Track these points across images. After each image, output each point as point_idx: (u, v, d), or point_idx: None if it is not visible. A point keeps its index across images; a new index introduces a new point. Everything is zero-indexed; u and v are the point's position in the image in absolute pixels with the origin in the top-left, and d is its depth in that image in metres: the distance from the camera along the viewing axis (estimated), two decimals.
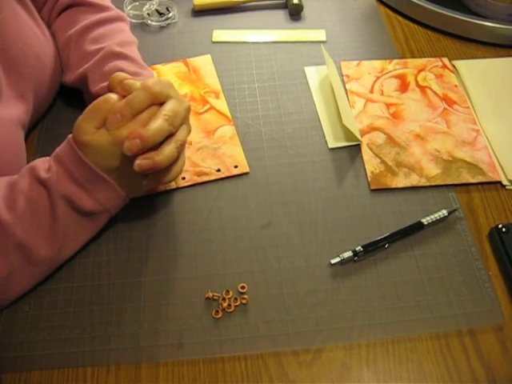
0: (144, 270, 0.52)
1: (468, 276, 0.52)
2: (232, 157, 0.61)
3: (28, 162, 0.50)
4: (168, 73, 0.71)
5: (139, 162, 0.46)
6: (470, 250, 0.54)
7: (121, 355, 0.47)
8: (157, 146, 0.47)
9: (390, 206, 0.58)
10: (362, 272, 0.52)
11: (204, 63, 0.72)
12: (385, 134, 0.64)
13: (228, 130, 0.64)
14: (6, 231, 0.45)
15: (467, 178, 0.60)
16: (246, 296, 0.50)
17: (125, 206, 0.56)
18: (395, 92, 0.69)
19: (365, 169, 0.61)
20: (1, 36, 0.54)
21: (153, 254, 0.53)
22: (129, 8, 0.80)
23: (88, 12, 0.64)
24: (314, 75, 0.72)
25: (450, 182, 0.59)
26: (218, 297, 0.50)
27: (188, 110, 0.51)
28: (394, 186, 0.59)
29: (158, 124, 0.46)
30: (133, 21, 0.78)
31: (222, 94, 0.68)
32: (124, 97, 0.48)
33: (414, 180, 0.59)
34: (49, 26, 0.65)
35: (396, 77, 0.71)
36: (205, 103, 0.67)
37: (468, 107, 0.67)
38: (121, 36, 0.63)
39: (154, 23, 0.78)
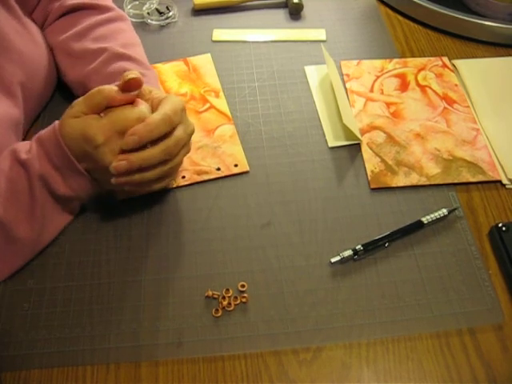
0: (144, 268, 0.52)
1: (468, 275, 0.52)
2: (232, 156, 0.61)
3: None
4: (168, 72, 0.71)
5: (114, 165, 0.47)
6: (470, 248, 0.54)
7: (120, 354, 0.47)
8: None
9: (390, 205, 0.58)
10: (362, 271, 0.52)
11: (204, 62, 0.72)
12: (385, 133, 0.64)
13: (228, 129, 0.64)
14: None
15: (467, 177, 0.60)
16: (245, 295, 0.50)
17: (124, 204, 0.56)
18: (395, 91, 0.69)
19: (365, 168, 0.61)
20: None
21: (152, 252, 0.53)
22: (129, 7, 0.79)
23: (90, 14, 0.64)
24: (314, 74, 0.72)
25: (450, 181, 0.59)
26: (218, 295, 0.50)
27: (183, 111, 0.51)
28: (394, 185, 0.59)
29: (151, 154, 0.48)
30: (133, 20, 0.78)
31: (222, 93, 0.68)
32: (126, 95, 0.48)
33: (414, 179, 0.59)
34: (43, 26, 0.65)
35: (396, 76, 0.71)
36: (205, 102, 0.67)
37: (468, 106, 0.67)
38: (123, 36, 0.63)
39: (154, 22, 0.78)
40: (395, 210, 0.57)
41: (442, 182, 0.59)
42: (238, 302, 0.50)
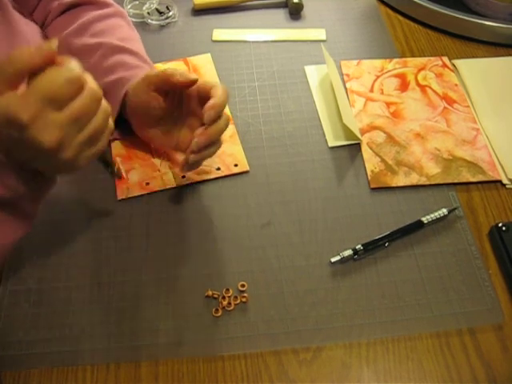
0: (144, 268, 0.52)
1: (468, 275, 0.52)
2: (232, 155, 0.61)
3: None
4: None
5: (196, 140, 0.48)
6: (470, 248, 0.54)
7: (120, 354, 0.47)
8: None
9: (390, 204, 0.58)
10: (362, 271, 0.52)
11: (204, 62, 0.72)
12: (385, 132, 0.64)
13: (228, 129, 0.64)
14: None
15: (467, 176, 0.60)
16: (245, 294, 0.50)
17: (124, 204, 0.56)
18: (395, 91, 0.69)
19: (365, 168, 0.61)
20: None
21: (152, 252, 0.53)
22: (129, 7, 0.79)
23: (89, 9, 0.64)
24: (314, 74, 0.72)
25: (450, 181, 0.59)
26: (218, 295, 0.50)
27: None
28: (394, 184, 0.59)
29: (220, 127, 0.51)
30: (133, 20, 0.78)
31: None
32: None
33: (414, 179, 0.59)
34: (43, 25, 0.65)
35: (396, 76, 0.71)
36: None
37: (468, 106, 0.67)
38: (121, 31, 0.63)
39: (154, 22, 0.78)
40: (395, 209, 0.57)
41: (441, 182, 0.59)
42: (238, 301, 0.50)
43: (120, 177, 0.57)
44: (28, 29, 0.61)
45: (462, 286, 0.51)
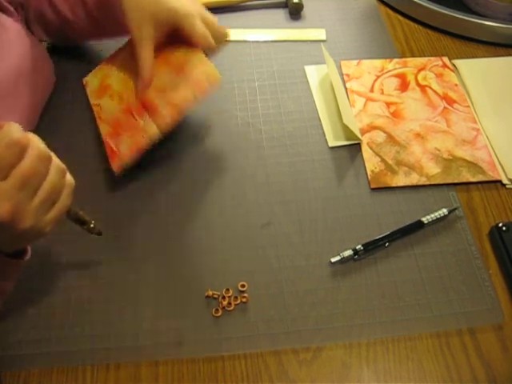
0: (144, 268, 0.52)
1: (468, 275, 0.52)
2: (204, 73, 0.55)
3: None
4: None
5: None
6: (470, 248, 0.54)
7: (120, 354, 0.47)
8: None
9: (390, 204, 0.58)
10: (362, 271, 0.52)
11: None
12: (385, 132, 0.64)
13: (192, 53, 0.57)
14: None
15: (467, 176, 0.60)
16: (246, 294, 0.50)
17: (123, 204, 0.56)
18: (395, 91, 0.69)
19: (365, 168, 0.61)
20: None
21: (152, 252, 0.53)
22: None
23: None
24: (314, 74, 0.72)
25: (450, 181, 0.59)
26: (218, 295, 0.50)
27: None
28: (394, 184, 0.59)
29: None
30: None
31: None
32: None
33: (414, 179, 0.59)
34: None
35: (396, 76, 0.71)
36: None
37: (468, 106, 0.67)
38: None
39: None
40: (395, 209, 0.57)
41: (442, 182, 0.59)
42: (238, 301, 0.50)
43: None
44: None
45: (462, 285, 0.51)
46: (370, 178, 0.60)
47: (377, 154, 0.62)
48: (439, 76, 0.71)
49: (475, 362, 0.47)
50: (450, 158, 0.61)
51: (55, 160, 0.40)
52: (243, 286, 0.51)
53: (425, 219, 0.55)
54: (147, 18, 0.53)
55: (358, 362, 0.47)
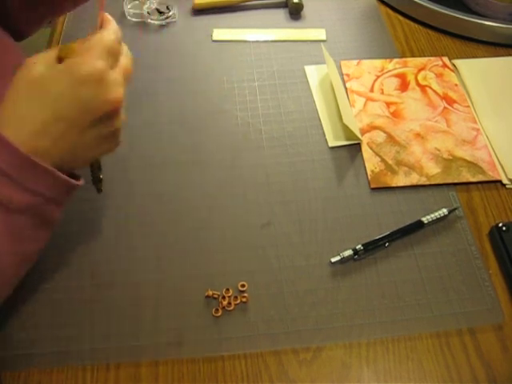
0: (144, 268, 0.52)
1: (468, 275, 0.52)
2: None
3: None
4: None
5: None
6: (470, 248, 0.54)
7: (120, 354, 0.47)
8: None
9: (390, 204, 0.58)
10: (362, 271, 0.52)
11: None
12: (385, 132, 0.64)
13: None
14: None
15: (467, 176, 0.60)
16: (245, 294, 0.50)
17: (123, 203, 0.56)
18: (395, 91, 0.69)
19: (365, 167, 0.61)
20: None
21: (152, 252, 0.53)
22: (129, 7, 0.79)
23: None
24: (314, 74, 0.72)
25: (450, 181, 0.59)
26: (218, 295, 0.50)
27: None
28: (394, 184, 0.59)
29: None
30: (133, 19, 0.78)
31: None
32: None
33: (414, 179, 0.59)
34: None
35: (396, 76, 0.71)
36: None
37: (468, 106, 0.67)
38: None
39: (154, 22, 0.78)
40: (395, 209, 0.57)
41: (442, 182, 0.59)
42: (238, 301, 0.50)
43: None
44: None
45: (462, 285, 0.51)
46: (370, 177, 0.60)
47: (377, 154, 0.62)
48: (439, 76, 0.71)
49: (475, 362, 0.47)
50: (450, 158, 0.61)
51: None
52: (243, 285, 0.51)
53: (425, 219, 0.55)
54: None
55: (358, 362, 0.47)
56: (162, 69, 0.72)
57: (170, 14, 0.79)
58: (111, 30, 0.40)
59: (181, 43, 0.76)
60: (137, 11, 0.79)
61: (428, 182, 0.59)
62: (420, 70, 0.72)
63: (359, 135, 0.62)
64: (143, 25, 0.78)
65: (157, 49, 0.74)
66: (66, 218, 0.55)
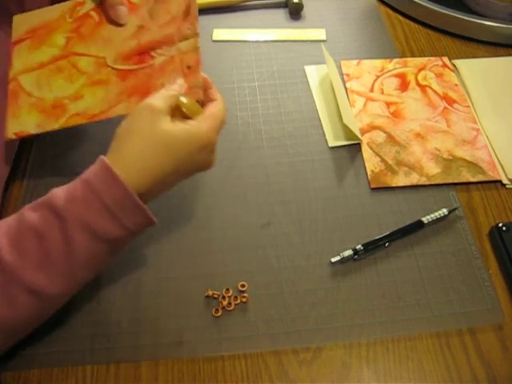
0: (144, 268, 0.52)
1: (468, 275, 0.52)
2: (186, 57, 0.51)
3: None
4: None
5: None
6: (470, 248, 0.54)
7: (120, 354, 0.47)
8: None
9: (390, 204, 0.58)
10: (362, 271, 0.52)
11: None
12: (385, 132, 0.64)
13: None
14: (11, 274, 0.40)
15: (467, 176, 0.60)
16: (246, 294, 0.50)
17: None
18: (395, 91, 0.69)
19: (365, 167, 0.61)
20: None
21: (152, 252, 0.53)
22: None
23: None
24: (314, 74, 0.72)
25: (450, 181, 0.59)
26: (218, 295, 0.50)
27: None
28: (394, 184, 0.59)
29: None
30: None
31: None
32: None
33: (414, 179, 0.59)
34: None
35: (396, 76, 0.71)
36: None
37: (468, 106, 0.67)
38: None
39: None
40: (395, 209, 0.57)
41: (442, 182, 0.59)
42: (238, 301, 0.50)
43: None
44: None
45: (462, 285, 0.51)
46: (370, 177, 0.60)
47: (377, 154, 0.62)
48: (439, 76, 0.71)
49: (475, 362, 0.47)
50: (450, 158, 0.61)
51: None
52: (243, 285, 0.51)
53: (425, 219, 0.55)
54: None
55: (358, 362, 0.47)
56: None
57: None
58: (224, 105, 0.48)
59: None
60: None
61: (428, 182, 0.59)
62: (420, 69, 0.72)
63: (359, 135, 0.62)
64: None
65: None
66: None
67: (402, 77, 0.71)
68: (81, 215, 0.40)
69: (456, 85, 0.70)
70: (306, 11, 0.81)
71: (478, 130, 0.64)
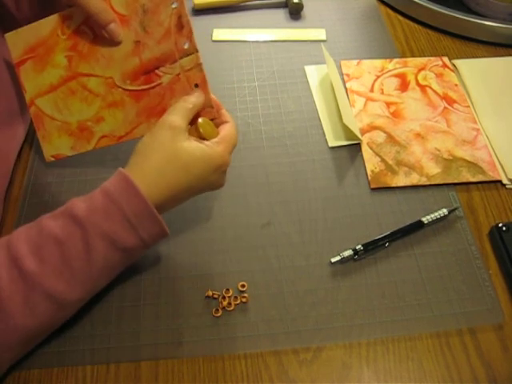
0: (144, 268, 0.52)
1: (468, 275, 0.52)
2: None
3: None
4: None
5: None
6: (470, 248, 0.54)
7: (120, 354, 0.47)
8: None
9: (390, 204, 0.58)
10: (362, 271, 0.52)
11: None
12: (385, 132, 0.64)
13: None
14: (32, 282, 0.41)
15: (467, 176, 0.60)
16: (246, 294, 0.50)
17: None
18: (395, 91, 0.69)
19: (365, 168, 0.61)
20: None
21: (152, 252, 0.53)
22: None
23: None
24: (314, 74, 0.72)
25: (450, 181, 0.59)
26: (218, 295, 0.50)
27: None
28: (394, 184, 0.59)
29: None
30: None
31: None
32: None
33: (415, 179, 0.59)
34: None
35: (396, 76, 0.71)
36: None
37: (468, 106, 0.67)
38: None
39: None
40: (395, 209, 0.57)
41: (442, 182, 0.59)
42: (238, 301, 0.50)
43: None
44: None
45: (462, 285, 0.51)
46: (370, 178, 0.60)
47: (377, 154, 0.62)
48: (439, 76, 0.71)
49: (475, 362, 0.47)
50: (450, 158, 0.61)
51: None
52: (243, 286, 0.51)
53: (425, 219, 0.55)
54: None
55: (358, 362, 0.47)
56: None
57: None
58: (236, 128, 0.50)
59: None
60: None
61: (428, 182, 0.59)
62: (420, 69, 0.72)
63: (359, 135, 0.62)
64: None
65: None
66: None
67: (402, 77, 0.71)
68: (101, 225, 0.42)
69: (456, 85, 0.70)
70: (305, 11, 0.81)
71: (478, 130, 0.64)
